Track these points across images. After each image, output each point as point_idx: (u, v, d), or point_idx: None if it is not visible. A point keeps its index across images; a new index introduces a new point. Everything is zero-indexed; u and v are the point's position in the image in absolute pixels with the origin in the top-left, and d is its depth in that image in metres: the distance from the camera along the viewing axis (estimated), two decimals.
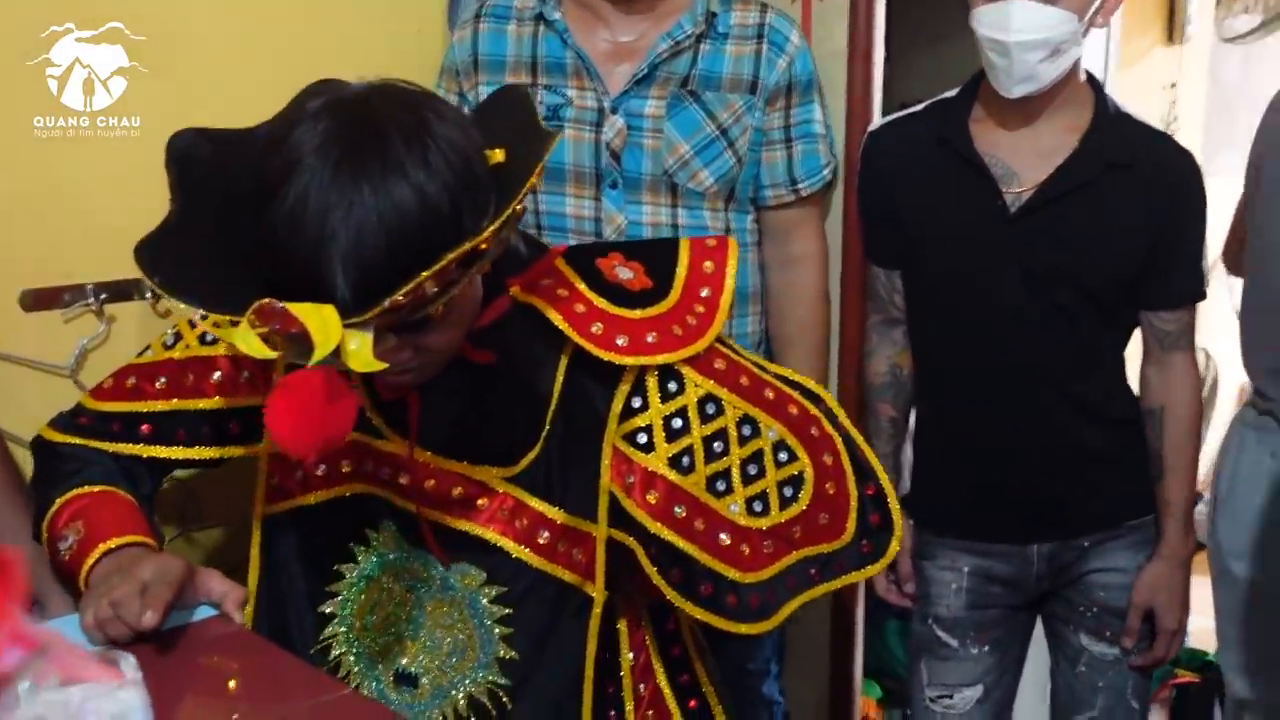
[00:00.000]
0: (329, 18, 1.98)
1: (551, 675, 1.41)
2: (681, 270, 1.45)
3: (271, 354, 1.14)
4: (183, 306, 1.21)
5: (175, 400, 1.46)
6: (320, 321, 1.10)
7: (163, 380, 1.46)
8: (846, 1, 2.02)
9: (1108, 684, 1.93)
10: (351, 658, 1.47)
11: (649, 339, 1.37)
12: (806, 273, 1.97)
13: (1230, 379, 3.70)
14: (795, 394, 1.50)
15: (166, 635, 1.25)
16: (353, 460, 1.44)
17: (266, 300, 1.11)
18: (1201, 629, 2.13)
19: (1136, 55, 3.40)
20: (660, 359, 1.37)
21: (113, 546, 1.33)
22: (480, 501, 1.40)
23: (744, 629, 1.42)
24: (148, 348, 1.52)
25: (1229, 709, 2.03)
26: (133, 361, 1.51)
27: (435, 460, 1.39)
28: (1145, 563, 1.88)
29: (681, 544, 1.37)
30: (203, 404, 1.46)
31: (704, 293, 1.44)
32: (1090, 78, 1.84)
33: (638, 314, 1.38)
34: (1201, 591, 1.97)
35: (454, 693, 1.43)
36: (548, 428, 1.38)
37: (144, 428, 1.46)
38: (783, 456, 1.45)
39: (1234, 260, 2.09)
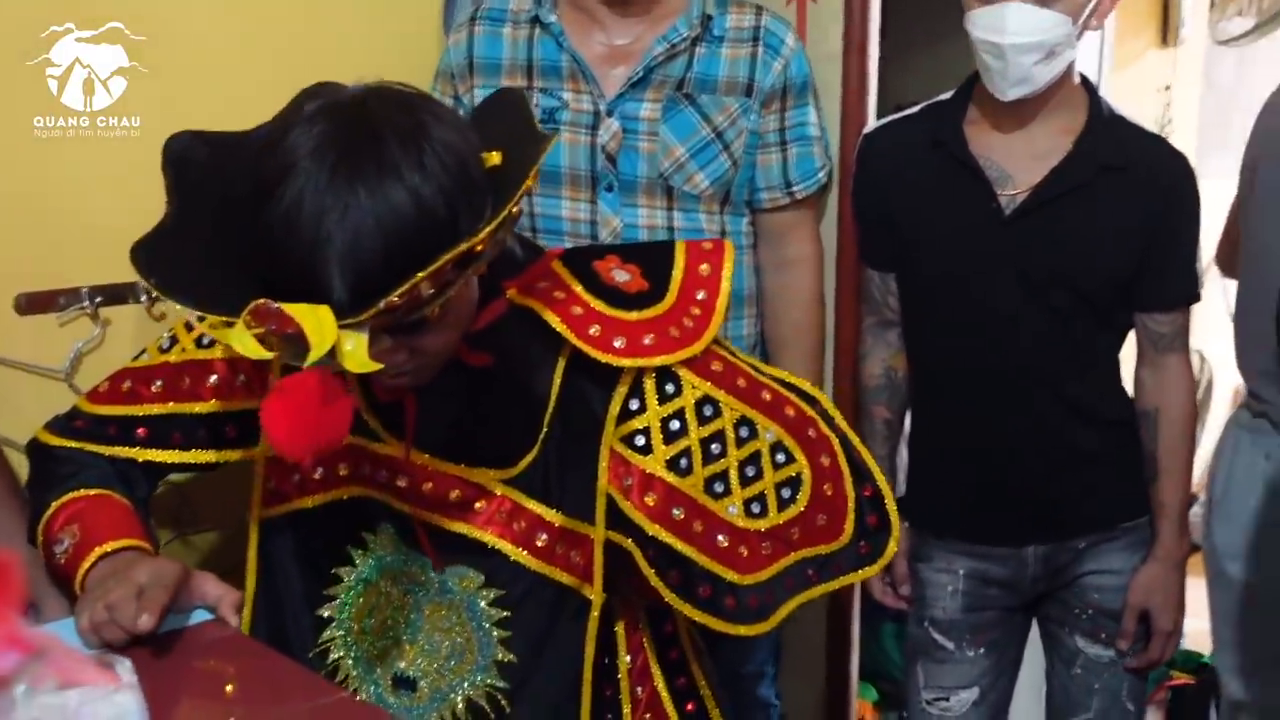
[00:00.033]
0: (328, 18, 1.98)
1: (549, 678, 1.42)
2: (678, 273, 1.45)
3: (267, 355, 1.14)
4: (178, 309, 1.21)
5: (171, 404, 1.46)
6: (316, 322, 1.11)
7: (159, 384, 1.46)
8: (841, 4, 2.02)
9: (1103, 686, 1.93)
10: (349, 661, 1.47)
11: (646, 341, 1.37)
12: (802, 275, 1.97)
13: (1225, 381, 3.70)
14: (792, 396, 1.50)
15: (162, 639, 1.26)
16: (350, 463, 1.44)
17: (262, 301, 1.11)
18: (1197, 631, 2.13)
19: (1130, 57, 3.41)
20: (657, 361, 1.37)
21: (108, 550, 1.33)
22: (478, 504, 1.40)
23: (742, 630, 1.42)
24: (144, 351, 1.52)
25: (1224, 711, 2.03)
26: (128, 365, 1.51)
27: (432, 463, 1.39)
28: (1140, 565, 1.88)
29: (680, 546, 1.37)
30: (199, 407, 1.46)
31: (700, 295, 1.44)
32: (1084, 80, 1.84)
33: (634, 316, 1.39)
34: (1196, 593, 1.98)
35: (452, 696, 1.43)
36: (545, 430, 1.38)
37: (140, 431, 1.46)
38: (780, 458, 1.45)
39: (1227, 262, 2.09)
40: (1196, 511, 2.10)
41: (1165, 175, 1.81)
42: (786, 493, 1.45)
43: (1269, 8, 3.65)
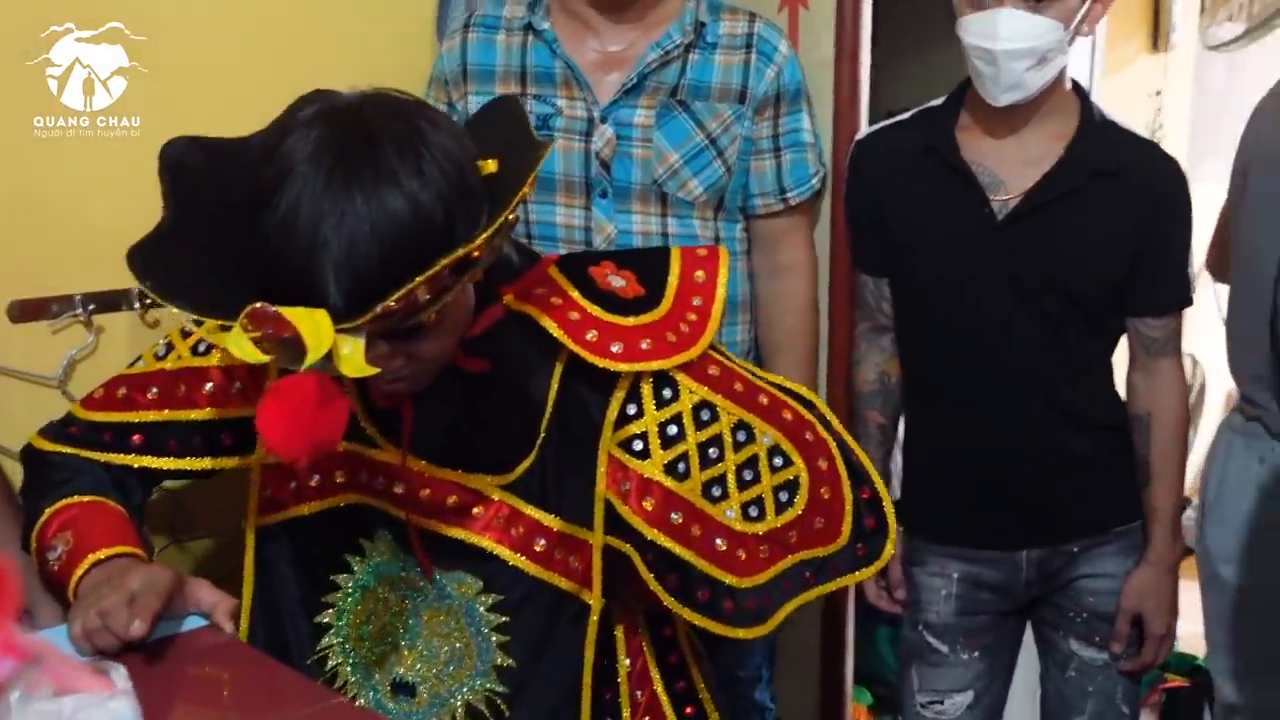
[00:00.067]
0: (324, 21, 1.99)
1: (548, 682, 1.42)
2: (673, 279, 1.45)
3: (264, 358, 1.14)
4: (173, 315, 1.21)
5: (167, 410, 1.46)
6: (313, 326, 1.11)
7: (154, 390, 1.46)
8: (833, 10, 2.02)
9: (1097, 689, 1.93)
10: (348, 668, 1.47)
11: (643, 346, 1.37)
12: (795, 281, 1.97)
13: (1217, 385, 3.71)
14: (789, 400, 1.51)
15: (157, 645, 1.25)
16: (347, 470, 1.44)
17: (259, 304, 1.11)
18: (1190, 634, 2.14)
19: (1121, 62, 3.42)
20: (655, 365, 1.38)
21: (102, 557, 1.33)
22: (476, 510, 1.40)
23: (741, 633, 1.42)
24: (139, 358, 1.51)
25: (1218, 714, 2.03)
26: (124, 372, 1.51)
27: (430, 469, 1.40)
28: (1133, 568, 1.89)
29: (678, 550, 1.37)
30: (195, 414, 1.46)
31: (696, 301, 1.44)
32: (1076, 85, 1.85)
33: (631, 321, 1.39)
34: (1190, 596, 1.98)
35: (451, 701, 1.43)
36: (543, 435, 1.38)
37: (135, 438, 1.46)
38: (778, 461, 1.45)
39: (1217, 266, 2.10)
40: (1189, 515, 2.10)
41: (1157, 180, 1.81)
42: (784, 496, 1.45)
43: (1259, 13, 3.66)
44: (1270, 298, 1.78)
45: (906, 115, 1.92)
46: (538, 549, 1.39)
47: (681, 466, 1.39)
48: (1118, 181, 1.78)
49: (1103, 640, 1.91)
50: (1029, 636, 2.04)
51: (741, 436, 1.43)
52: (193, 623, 1.33)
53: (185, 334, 1.48)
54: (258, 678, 1.27)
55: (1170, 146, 2.09)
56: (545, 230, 1.88)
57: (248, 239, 1.16)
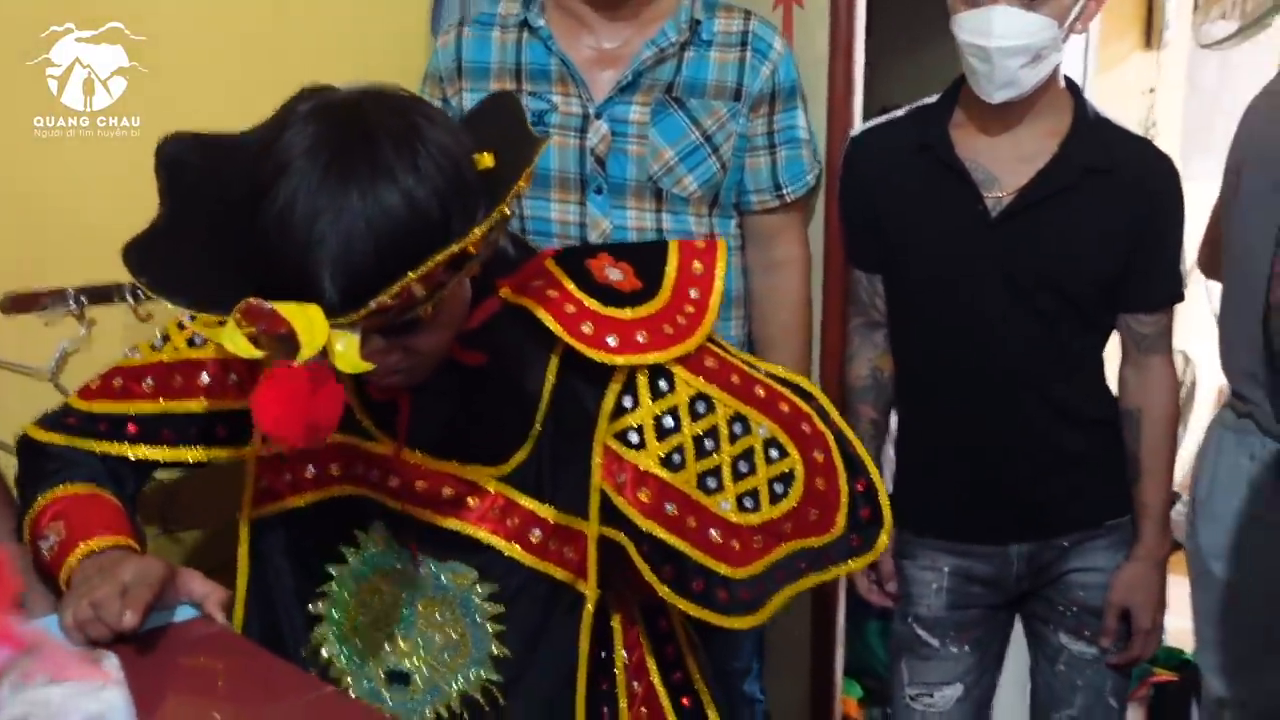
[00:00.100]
0: (325, 17, 1.99)
1: (544, 672, 1.42)
2: (671, 271, 1.46)
3: (258, 354, 1.14)
4: (166, 309, 1.21)
5: (163, 401, 1.46)
6: (306, 321, 1.11)
7: (150, 381, 1.47)
8: (827, 8, 2.03)
9: (1086, 682, 1.94)
10: (343, 658, 1.47)
11: (639, 338, 1.37)
12: (790, 277, 1.98)
13: (1209, 381, 3.72)
14: (786, 391, 1.51)
15: (148, 636, 1.26)
16: (342, 462, 1.44)
17: (253, 300, 1.11)
18: (1179, 629, 2.14)
19: (1114, 60, 3.42)
20: (651, 358, 1.38)
21: (95, 548, 1.33)
22: (471, 501, 1.40)
23: (735, 623, 1.43)
24: (135, 349, 1.52)
25: (1206, 707, 2.04)
26: (120, 363, 1.51)
27: (426, 460, 1.40)
28: (1123, 563, 1.90)
29: (673, 541, 1.38)
30: (190, 406, 1.46)
31: (693, 293, 1.44)
32: (1069, 83, 1.85)
33: (628, 314, 1.39)
34: (1179, 592, 1.99)
35: (447, 690, 1.43)
36: (538, 427, 1.39)
37: (131, 428, 1.46)
38: (774, 454, 1.45)
39: (1208, 263, 2.11)
40: (1180, 511, 2.11)
41: (1151, 178, 1.82)
42: (779, 488, 1.46)
43: (1252, 11, 3.66)
44: (1263, 296, 1.79)
45: (901, 112, 1.92)
46: (533, 540, 1.40)
47: (677, 458, 1.39)
48: (1111, 179, 1.79)
49: (1092, 634, 1.92)
50: (1019, 630, 2.04)
51: (738, 429, 1.43)
52: (184, 613, 1.33)
53: (181, 326, 1.48)
54: (249, 668, 1.27)
55: (1163, 144, 2.10)
56: (540, 226, 1.88)
57: (244, 234, 1.16)
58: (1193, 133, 3.76)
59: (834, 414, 1.55)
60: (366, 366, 1.15)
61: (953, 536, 1.92)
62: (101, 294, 1.80)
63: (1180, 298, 1.87)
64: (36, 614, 1.40)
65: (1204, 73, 3.87)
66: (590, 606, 1.41)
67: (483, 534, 1.40)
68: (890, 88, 2.51)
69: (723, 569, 1.40)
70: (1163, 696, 2.87)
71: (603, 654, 1.47)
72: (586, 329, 1.36)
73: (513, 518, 1.40)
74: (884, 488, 1.56)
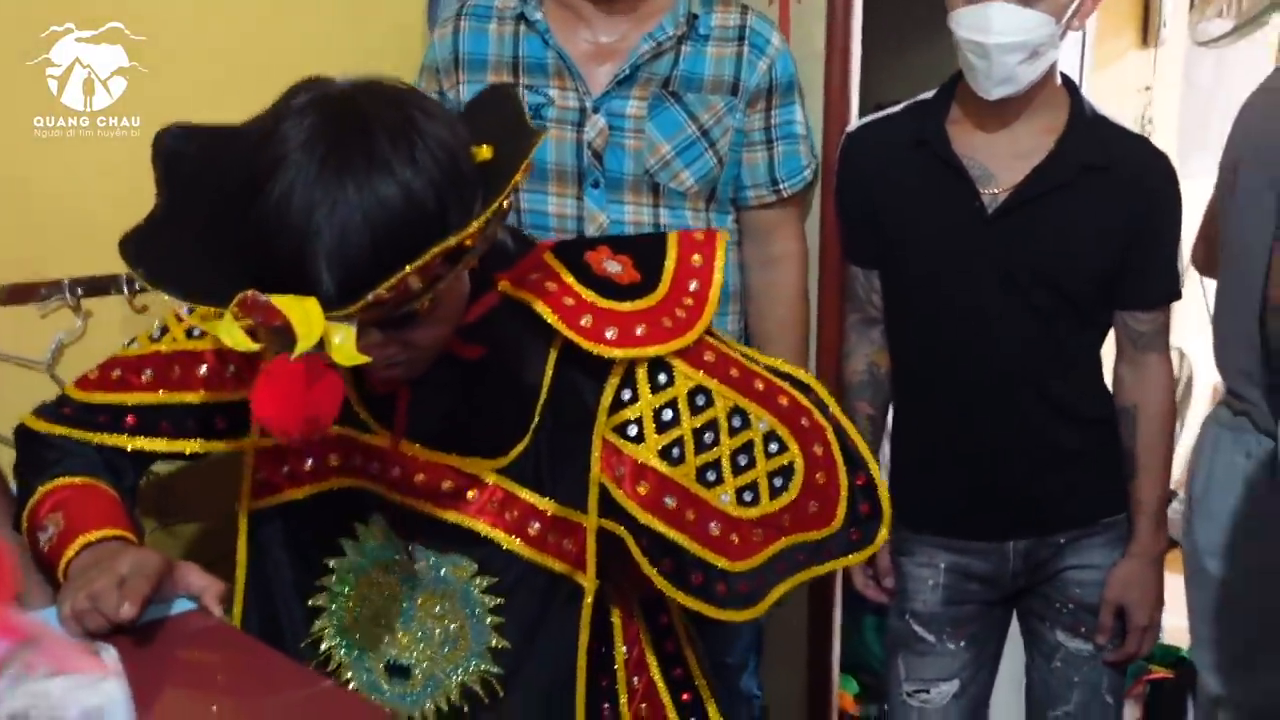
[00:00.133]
0: (322, 13, 1.99)
1: (542, 664, 1.42)
2: (670, 263, 1.45)
3: (254, 346, 1.14)
4: (162, 300, 1.21)
5: (161, 392, 1.46)
6: (303, 314, 1.11)
7: (148, 373, 1.46)
8: (824, 3, 2.03)
9: (1083, 679, 1.95)
10: (342, 650, 1.47)
11: (638, 331, 1.37)
12: (787, 272, 1.98)
13: (1204, 378, 3.72)
14: (785, 385, 1.50)
15: (146, 628, 1.25)
16: (340, 455, 1.44)
17: (249, 292, 1.11)
18: (1175, 626, 2.15)
19: (1111, 57, 3.42)
20: (650, 351, 1.38)
21: (92, 540, 1.33)
22: (470, 493, 1.40)
23: (732, 616, 1.43)
24: (134, 340, 1.51)
25: (1201, 704, 2.04)
26: (119, 353, 1.51)
27: (425, 453, 1.40)
28: (1120, 559, 1.90)
29: (672, 534, 1.38)
30: (189, 397, 1.46)
31: (692, 286, 1.44)
32: (1066, 80, 1.85)
33: (627, 307, 1.39)
34: (1175, 589, 1.99)
35: (447, 682, 1.43)
36: (537, 420, 1.39)
37: (129, 419, 1.46)
38: (773, 447, 1.45)
39: (1202, 261, 2.11)
40: (1175, 508, 2.11)
41: (1147, 175, 1.82)
42: (779, 481, 1.45)
43: (1248, 10, 3.67)
44: (1260, 294, 1.79)
45: (897, 108, 1.92)
46: (531, 532, 1.40)
47: (676, 451, 1.39)
48: (1108, 176, 1.79)
49: (1088, 631, 1.92)
50: (1015, 627, 2.05)
51: (737, 422, 1.43)
52: (181, 606, 1.33)
53: (180, 318, 1.48)
54: (247, 661, 1.27)
55: (1160, 141, 2.10)
56: (537, 220, 1.88)
57: (241, 226, 1.16)
58: (1189, 130, 3.77)
59: (834, 407, 1.55)
60: (363, 359, 1.15)
61: (949, 533, 1.93)
62: (98, 285, 1.80)
63: (1177, 296, 1.88)
64: (35, 606, 1.40)
65: (1200, 70, 3.88)
66: (589, 599, 1.41)
67: (482, 526, 1.40)
68: (885, 85, 2.51)
69: (721, 562, 1.40)
70: (1158, 694, 2.88)
71: (602, 649, 1.47)
72: (585, 322, 1.36)
73: (512, 510, 1.40)
74: (884, 482, 1.56)
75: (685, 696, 1.55)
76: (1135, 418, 1.88)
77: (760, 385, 1.47)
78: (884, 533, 1.55)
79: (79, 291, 1.79)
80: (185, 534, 1.91)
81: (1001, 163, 1.81)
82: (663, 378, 1.39)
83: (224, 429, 1.47)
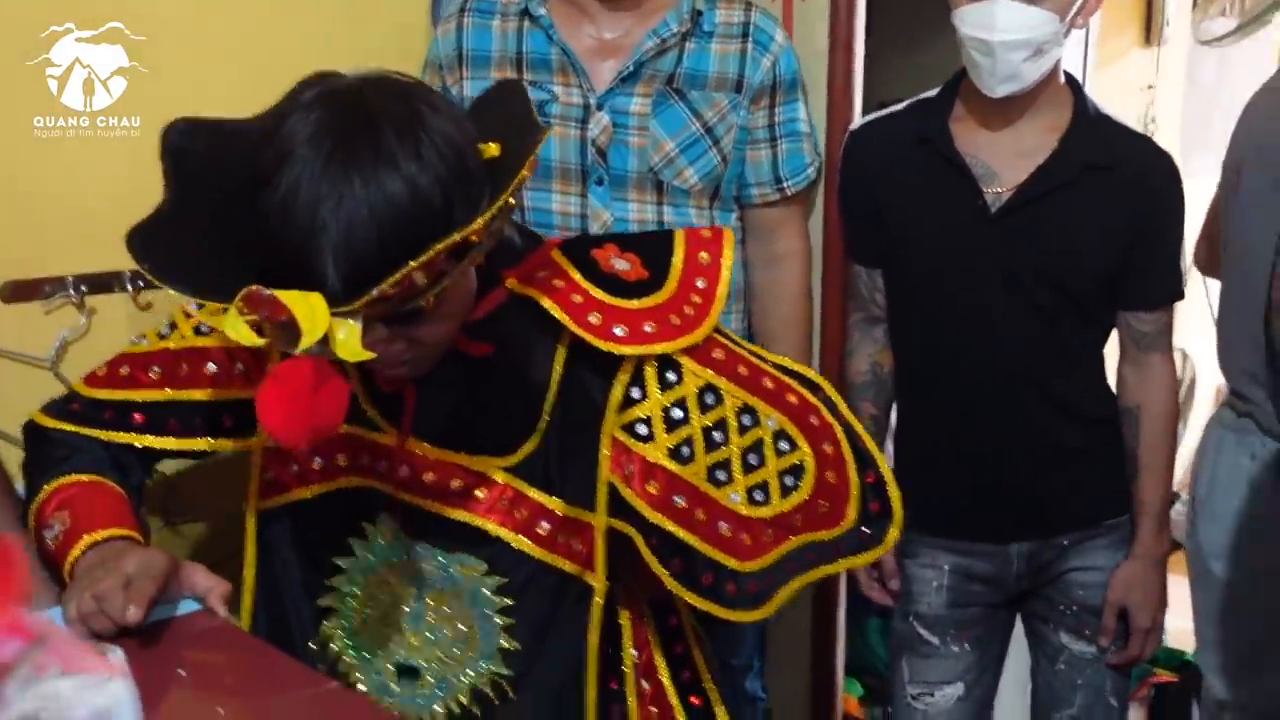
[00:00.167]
0: (323, 11, 1.98)
1: (552, 665, 1.41)
2: (678, 261, 1.44)
3: (259, 341, 1.14)
4: (169, 294, 1.21)
5: (169, 390, 1.45)
6: (308, 309, 1.11)
7: (156, 370, 1.46)
8: (827, 2, 2.03)
9: (1087, 682, 1.94)
10: (351, 651, 1.46)
11: (647, 329, 1.36)
12: (790, 270, 1.98)
13: (1208, 379, 3.72)
14: (794, 383, 1.50)
15: (151, 629, 1.25)
16: (349, 454, 1.43)
17: (255, 286, 1.11)
18: (1180, 629, 2.14)
19: (1114, 56, 3.42)
20: (659, 348, 1.37)
21: (98, 539, 1.32)
22: (479, 492, 1.39)
23: (741, 616, 1.42)
24: (142, 337, 1.51)
25: (1206, 708, 2.04)
26: (127, 350, 1.50)
27: (433, 452, 1.39)
28: (1123, 561, 1.90)
29: (682, 534, 1.37)
30: (196, 395, 1.45)
31: (700, 283, 1.43)
32: (1070, 79, 1.85)
33: (635, 304, 1.38)
34: (1179, 591, 1.99)
35: (457, 684, 1.42)
36: (545, 418, 1.38)
37: (136, 416, 1.46)
38: (783, 446, 1.44)
39: (1204, 260, 2.11)
40: (1179, 510, 2.10)
41: (1150, 174, 1.82)
42: (789, 480, 1.44)
43: (1251, 8, 3.67)
44: (1264, 295, 1.78)
45: (900, 106, 1.92)
46: (541, 532, 1.39)
47: (686, 450, 1.38)
48: (1111, 175, 1.79)
49: (1092, 634, 1.92)
50: (1019, 629, 2.04)
51: (746, 420, 1.42)
52: (187, 606, 1.32)
53: (188, 314, 1.47)
54: (252, 662, 1.27)
55: (1162, 140, 2.10)
56: (541, 217, 1.88)
57: (247, 221, 1.15)
58: (1192, 129, 3.76)
59: (842, 406, 1.54)
60: (368, 355, 1.15)
61: (953, 534, 1.92)
62: (101, 283, 1.80)
63: (1180, 296, 1.87)
64: (41, 605, 1.40)
65: (1203, 69, 3.88)
66: (599, 599, 1.40)
67: (491, 525, 1.39)
68: (888, 83, 2.51)
69: (732, 563, 1.39)
70: (1163, 697, 2.88)
71: (610, 651, 1.47)
72: (594, 319, 1.35)
73: (521, 509, 1.39)
74: (894, 481, 1.55)
75: (695, 700, 1.54)
76: (1138, 418, 1.88)
77: (769, 383, 1.46)
78: (894, 532, 1.54)
79: (83, 288, 1.78)
80: (192, 533, 1.90)
81: (1005, 161, 1.80)
82: (672, 376, 1.39)
83: (231, 427, 1.47)
